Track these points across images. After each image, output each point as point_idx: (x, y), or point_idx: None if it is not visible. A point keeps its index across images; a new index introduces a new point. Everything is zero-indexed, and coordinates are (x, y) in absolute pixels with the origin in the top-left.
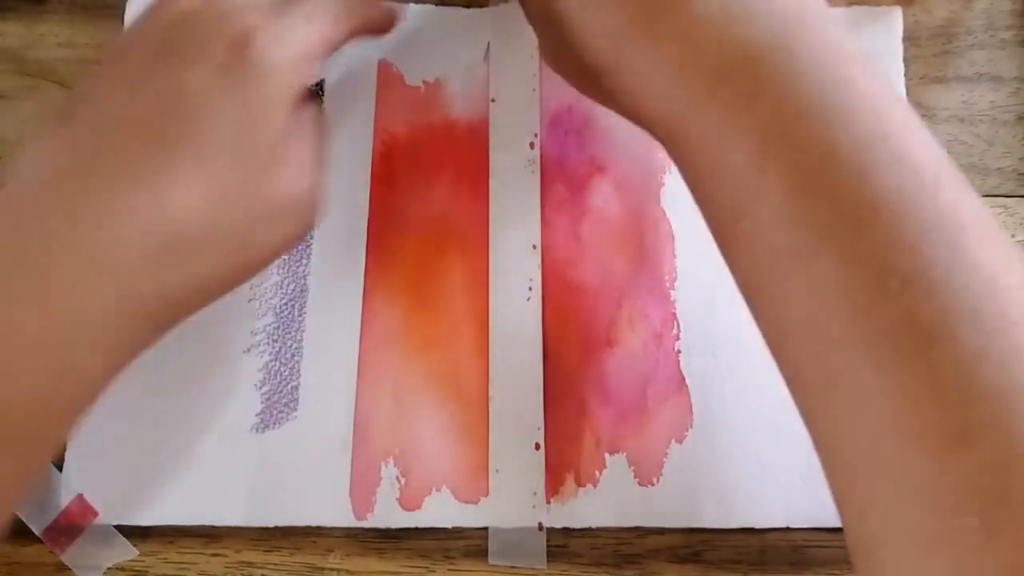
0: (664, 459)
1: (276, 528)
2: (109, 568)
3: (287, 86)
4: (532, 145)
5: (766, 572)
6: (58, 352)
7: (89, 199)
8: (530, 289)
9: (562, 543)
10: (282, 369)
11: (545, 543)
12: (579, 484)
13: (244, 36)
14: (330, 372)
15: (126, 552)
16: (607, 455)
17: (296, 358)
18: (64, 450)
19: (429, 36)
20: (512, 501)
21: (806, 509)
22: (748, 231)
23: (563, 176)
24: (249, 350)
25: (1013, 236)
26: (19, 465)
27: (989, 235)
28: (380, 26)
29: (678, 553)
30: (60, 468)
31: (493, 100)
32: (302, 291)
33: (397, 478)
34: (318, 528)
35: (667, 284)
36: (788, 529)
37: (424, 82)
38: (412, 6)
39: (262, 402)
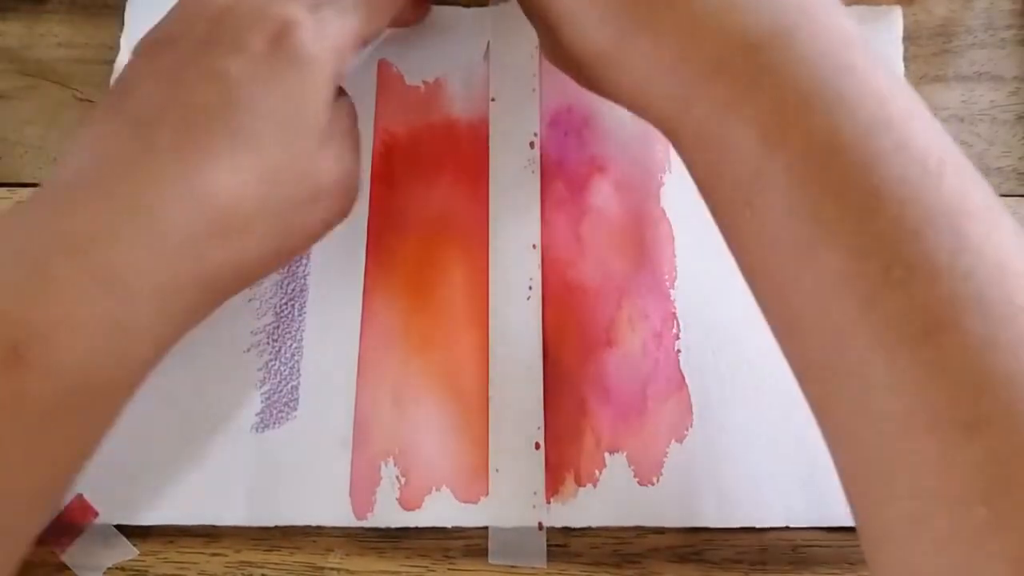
0: (664, 459)
1: (276, 528)
2: (109, 568)
3: (326, 76)
4: (532, 145)
5: (766, 571)
6: (114, 333)
7: (144, 185)
8: (530, 289)
9: (562, 543)
10: (282, 369)
11: (545, 543)
12: (579, 484)
13: (283, 29)
14: (330, 372)
15: (126, 552)
16: (607, 455)
17: (296, 358)
18: None
19: (429, 36)
20: (512, 501)
21: (806, 509)
22: (752, 221)
23: (563, 176)
24: (249, 350)
25: None
26: (74, 441)
27: (996, 221)
28: (411, 18)
29: (678, 552)
30: None
31: (493, 100)
32: (302, 291)
33: (397, 478)
34: (318, 528)
35: (667, 284)
36: (788, 529)
37: (424, 82)
38: None
39: (262, 402)
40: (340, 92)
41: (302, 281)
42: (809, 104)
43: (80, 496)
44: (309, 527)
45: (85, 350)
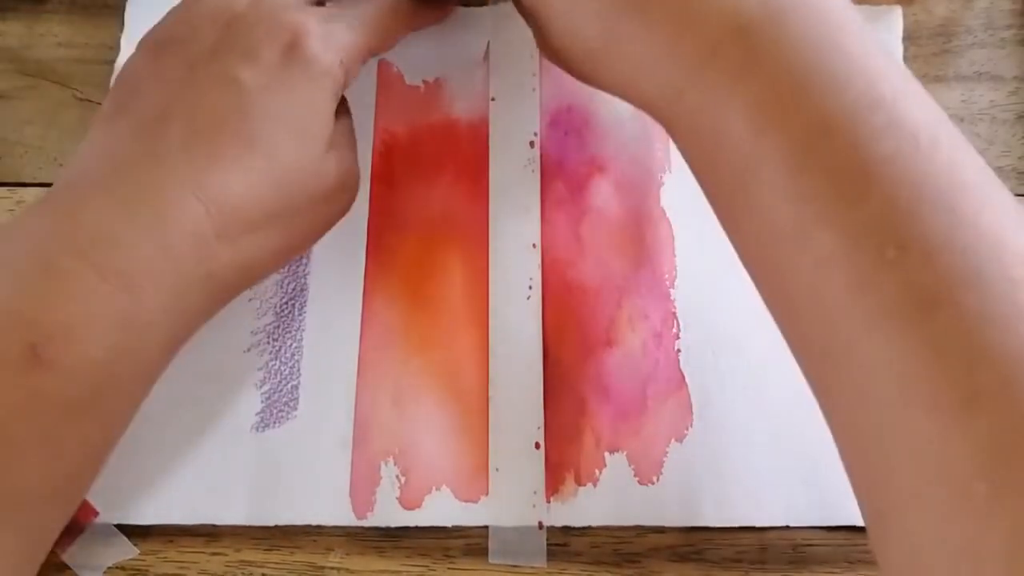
0: (664, 458)
1: (276, 527)
2: (109, 568)
3: (335, 87)
4: (532, 144)
5: (766, 571)
6: (127, 331)
7: (153, 187)
8: (530, 288)
9: (562, 542)
10: (282, 368)
11: (545, 542)
12: (579, 483)
13: (295, 39)
14: (330, 371)
15: (126, 551)
16: (607, 454)
17: (296, 357)
18: None
19: (429, 36)
20: (512, 500)
21: (806, 508)
22: (747, 206)
23: (563, 176)
24: (249, 349)
25: None
26: (92, 439)
27: (991, 195)
28: (430, 23)
29: (678, 552)
30: None
31: (493, 100)
32: (302, 290)
33: (397, 477)
34: (318, 527)
35: (667, 284)
36: (788, 528)
37: (424, 82)
38: None
39: (262, 401)
40: None
41: (302, 281)
42: (800, 87)
43: None
44: (309, 527)
45: (101, 349)
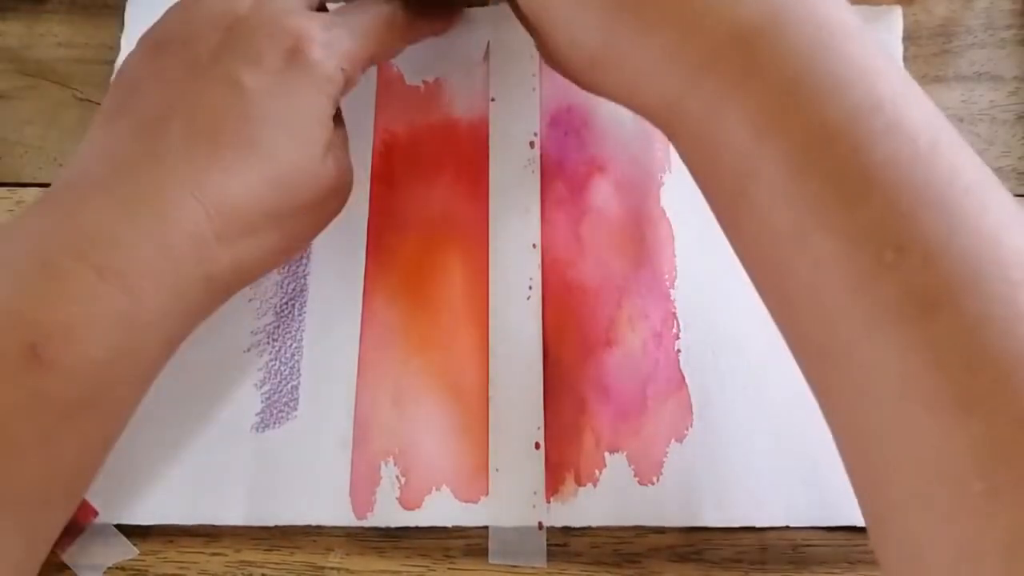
0: (664, 458)
1: (276, 527)
2: (109, 568)
3: (335, 94)
4: (532, 145)
5: (766, 571)
6: (127, 331)
7: (153, 188)
8: (530, 288)
9: (562, 542)
10: (282, 368)
11: (545, 542)
12: (579, 483)
13: (298, 45)
14: (330, 371)
15: (126, 551)
16: (607, 454)
17: (296, 357)
18: None
19: None
20: (512, 500)
21: (806, 508)
22: (747, 210)
23: (563, 176)
24: (249, 349)
25: None
26: (92, 439)
27: (991, 198)
28: (436, 32)
29: (678, 552)
30: None
31: (493, 100)
32: (302, 290)
33: (397, 477)
34: (318, 527)
35: (667, 284)
36: (788, 528)
37: (424, 82)
38: None
39: (262, 401)
40: None
41: (302, 281)
42: (799, 92)
43: None
44: (309, 527)
45: (100, 349)
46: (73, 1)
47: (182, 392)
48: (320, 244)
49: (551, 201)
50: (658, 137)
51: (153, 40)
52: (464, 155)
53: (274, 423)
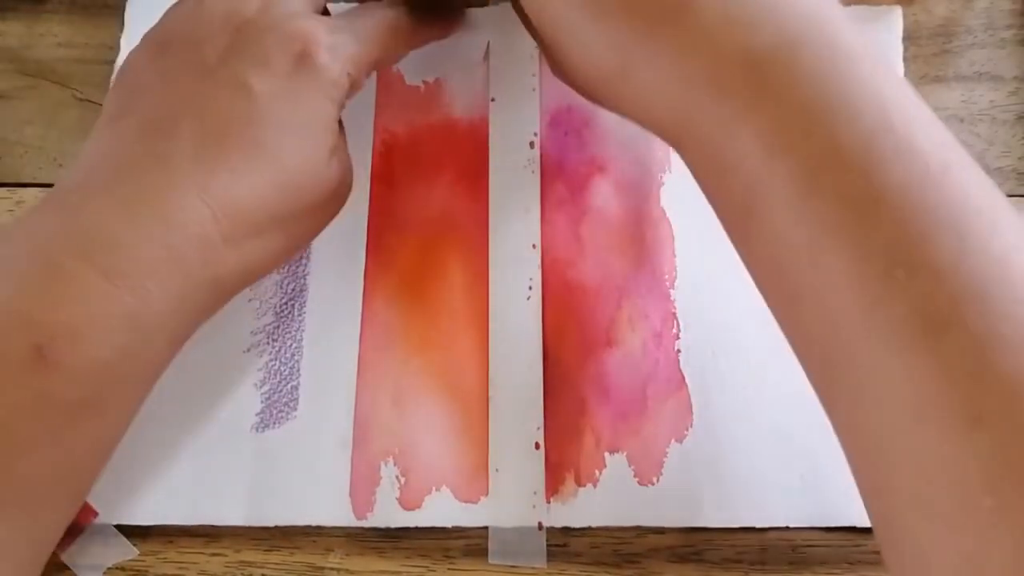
0: (664, 459)
1: (276, 528)
2: (109, 568)
3: (341, 95)
4: (532, 145)
5: (766, 571)
6: (132, 332)
7: (160, 190)
8: (530, 289)
9: (562, 542)
10: (282, 368)
11: (545, 542)
12: (579, 484)
13: (305, 49)
14: (330, 371)
15: (126, 552)
16: (607, 454)
17: (296, 357)
18: None
19: None
20: (512, 500)
21: (806, 509)
22: (757, 227)
23: (563, 176)
24: (249, 350)
25: None
26: (96, 439)
27: (1001, 220)
28: (440, 37)
29: (678, 552)
30: None
31: (493, 100)
32: (302, 290)
33: (397, 477)
34: (318, 528)
35: (667, 284)
36: (788, 529)
37: (424, 82)
38: None
39: (262, 401)
40: None
41: (302, 281)
42: (810, 116)
43: None
44: (309, 527)
45: (105, 350)
46: (73, 1)
47: (182, 392)
48: (320, 244)
49: (551, 201)
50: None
51: (157, 40)
52: (464, 155)
53: (274, 423)
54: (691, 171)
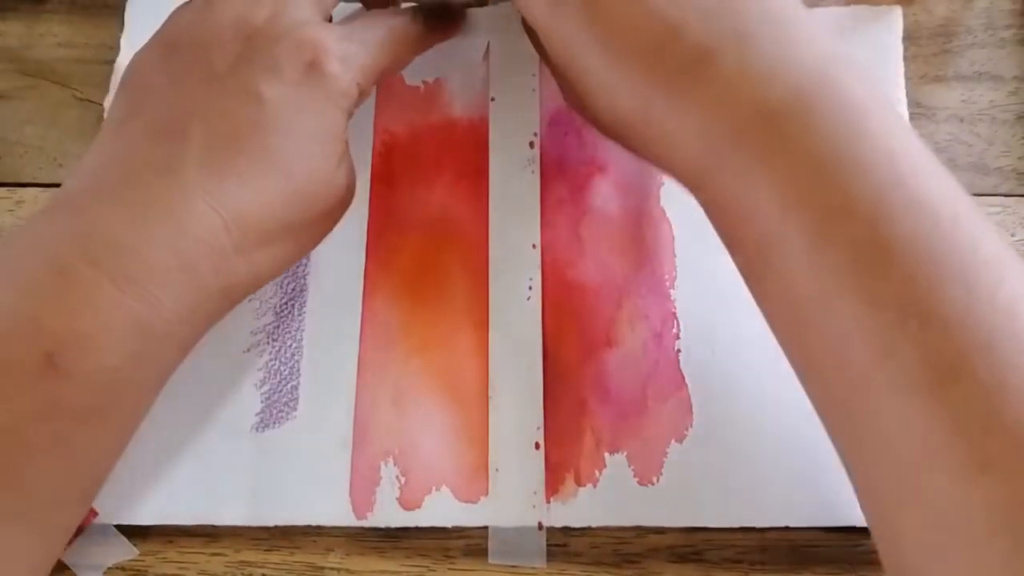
0: (664, 458)
1: (276, 527)
2: (109, 568)
3: (350, 104)
4: (532, 145)
5: (766, 571)
6: (142, 340)
7: (171, 198)
8: (530, 288)
9: (562, 542)
10: (282, 368)
11: (545, 542)
12: (579, 483)
13: (316, 57)
14: (330, 371)
15: (126, 552)
16: (607, 454)
17: (296, 357)
18: None
19: None
20: (512, 500)
21: (806, 509)
22: (774, 277)
23: (563, 176)
24: (249, 349)
25: (1012, 235)
26: (105, 443)
27: (1009, 270)
28: (440, 41)
29: (678, 552)
30: None
31: (493, 100)
32: (302, 290)
33: (397, 477)
34: (318, 527)
35: (667, 284)
36: (788, 529)
37: (424, 82)
38: None
39: (262, 401)
40: None
41: (302, 281)
42: (823, 169)
43: None
44: (309, 527)
45: (115, 357)
46: (73, 1)
47: (182, 392)
48: (320, 244)
49: (551, 201)
50: None
51: (165, 43)
52: (464, 155)
53: (274, 423)
54: (708, 216)
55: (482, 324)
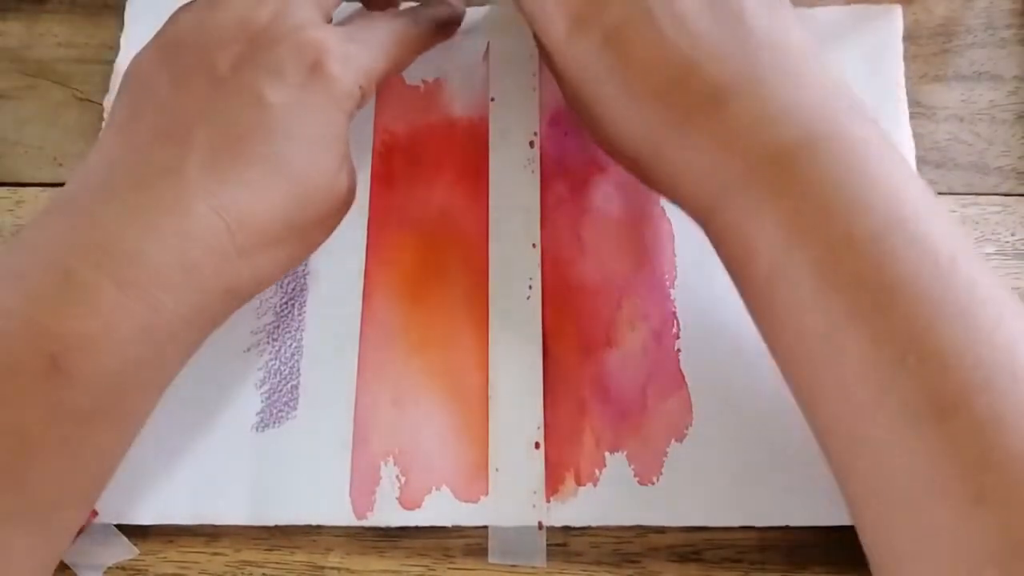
0: (664, 458)
1: (276, 527)
2: (109, 568)
3: (352, 106)
4: (532, 144)
5: (766, 571)
6: (146, 343)
7: (175, 201)
8: (530, 288)
9: (562, 542)
10: (282, 368)
11: (545, 542)
12: (579, 483)
13: (319, 59)
14: (330, 371)
15: (126, 551)
16: (607, 454)
17: (296, 357)
18: None
19: None
20: (512, 500)
21: (806, 508)
22: (779, 311)
23: (563, 175)
24: (249, 349)
25: (1013, 235)
26: (108, 445)
27: (1006, 310)
28: (440, 41)
29: (678, 552)
30: None
31: (493, 99)
32: (302, 290)
33: (397, 477)
34: (318, 527)
35: (667, 283)
36: (788, 529)
37: (424, 81)
38: None
39: (262, 401)
40: None
41: (302, 281)
42: (828, 210)
43: None
44: (309, 527)
45: (119, 360)
46: (73, 1)
47: (182, 392)
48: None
49: (551, 201)
50: None
51: (166, 45)
52: (464, 155)
53: (274, 423)
54: (715, 249)
55: (482, 324)
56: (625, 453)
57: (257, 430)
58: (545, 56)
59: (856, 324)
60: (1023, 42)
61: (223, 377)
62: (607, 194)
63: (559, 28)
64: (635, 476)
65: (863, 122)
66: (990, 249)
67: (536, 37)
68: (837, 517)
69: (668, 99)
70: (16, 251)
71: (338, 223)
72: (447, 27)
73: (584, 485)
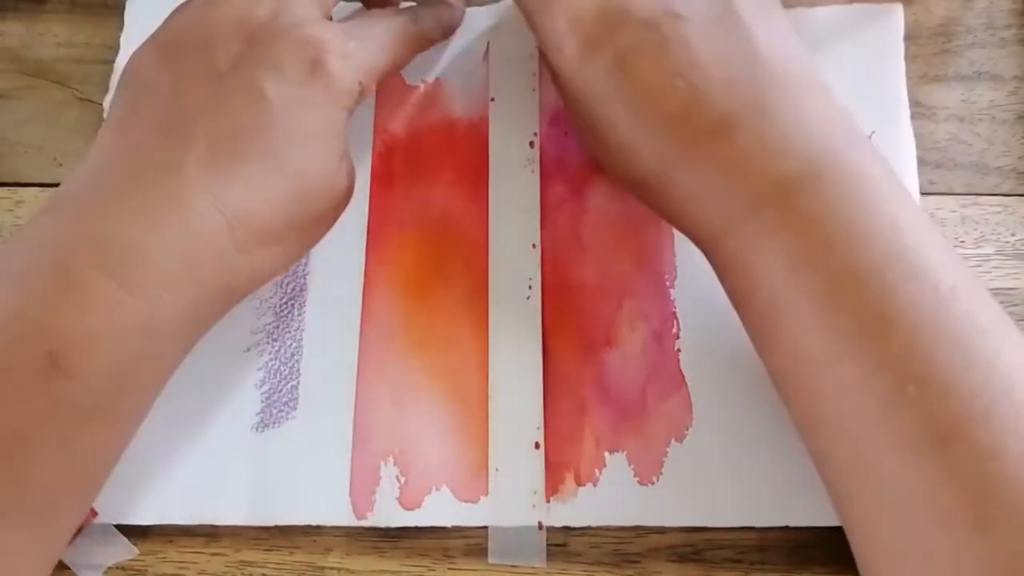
0: (664, 458)
1: (276, 527)
2: (109, 568)
3: (352, 103)
4: (532, 144)
5: (766, 571)
6: (145, 340)
7: (175, 199)
8: (530, 288)
9: (562, 542)
10: (282, 368)
11: (545, 542)
12: (579, 483)
13: (319, 56)
14: (330, 371)
15: (126, 552)
16: (607, 454)
17: (296, 357)
18: None
19: None
20: (512, 500)
21: (806, 508)
22: (781, 338)
23: (563, 175)
24: (249, 349)
25: (1013, 235)
26: (107, 442)
27: (1006, 339)
28: (439, 40)
29: (678, 552)
30: None
31: (493, 99)
32: (302, 290)
33: (397, 477)
34: (318, 527)
35: (667, 283)
36: (788, 529)
37: (424, 81)
38: None
39: (262, 401)
40: None
41: (302, 281)
42: (830, 240)
43: None
44: (309, 527)
45: (118, 358)
46: (73, 1)
47: (182, 392)
48: (320, 244)
49: (551, 201)
50: None
51: (165, 43)
52: (464, 155)
53: (274, 423)
54: (718, 277)
55: (482, 324)
56: (625, 453)
57: (257, 430)
58: (554, 77)
59: (856, 350)
60: (1023, 42)
61: (223, 377)
62: (607, 194)
63: (571, 49)
64: (635, 476)
65: (863, 149)
66: (990, 249)
67: (544, 56)
68: (837, 517)
69: (677, 126)
70: (15, 249)
71: (335, 221)
72: (447, 27)
73: (584, 485)
